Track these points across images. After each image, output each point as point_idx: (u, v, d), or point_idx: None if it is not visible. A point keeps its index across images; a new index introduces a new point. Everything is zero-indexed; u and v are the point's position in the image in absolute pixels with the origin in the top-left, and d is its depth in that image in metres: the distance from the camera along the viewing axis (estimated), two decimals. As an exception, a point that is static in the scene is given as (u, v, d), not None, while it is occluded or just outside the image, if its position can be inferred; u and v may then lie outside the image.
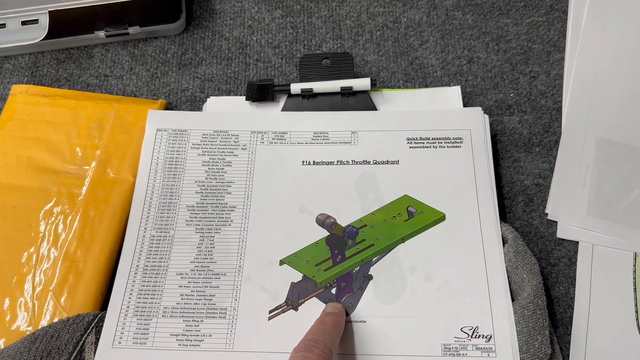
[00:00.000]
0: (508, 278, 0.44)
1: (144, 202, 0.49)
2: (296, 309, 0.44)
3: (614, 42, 0.57)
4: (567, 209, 0.50)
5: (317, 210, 0.48)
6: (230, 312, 0.44)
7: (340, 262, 0.45)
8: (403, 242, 0.46)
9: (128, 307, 0.44)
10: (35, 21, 0.56)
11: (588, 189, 0.50)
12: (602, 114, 0.54)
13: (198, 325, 0.43)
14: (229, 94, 0.57)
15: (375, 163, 0.50)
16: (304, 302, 0.44)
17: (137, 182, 0.50)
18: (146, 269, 0.46)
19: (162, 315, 0.44)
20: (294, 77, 0.58)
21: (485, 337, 0.42)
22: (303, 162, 0.50)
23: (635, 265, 0.47)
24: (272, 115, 0.53)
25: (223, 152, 0.51)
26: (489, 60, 0.58)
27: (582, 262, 0.48)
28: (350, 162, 0.50)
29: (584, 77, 0.56)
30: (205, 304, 0.44)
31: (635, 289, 0.46)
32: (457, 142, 0.50)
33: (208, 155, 0.51)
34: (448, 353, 0.41)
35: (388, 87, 0.57)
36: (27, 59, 0.59)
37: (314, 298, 0.44)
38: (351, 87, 0.53)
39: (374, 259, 0.45)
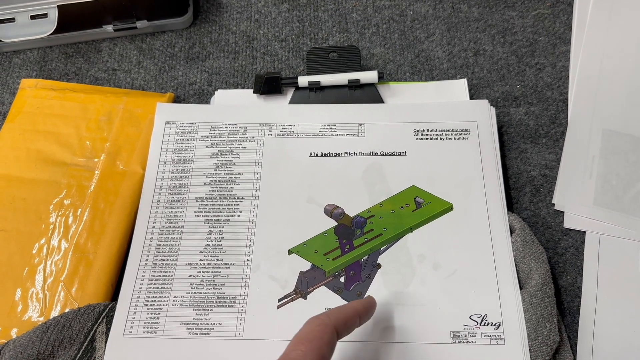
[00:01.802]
0: (516, 267, 0.44)
1: (154, 193, 0.49)
2: (305, 298, 0.44)
3: (619, 33, 0.57)
4: (573, 199, 0.50)
5: (325, 201, 0.48)
6: (240, 301, 0.44)
7: (348, 252, 0.46)
8: (411, 232, 0.46)
9: (138, 296, 0.45)
10: (45, 15, 0.57)
11: (595, 179, 0.51)
12: (608, 105, 0.54)
13: (208, 314, 0.44)
14: (236, 87, 0.58)
15: (383, 154, 0.50)
16: (312, 290, 0.44)
17: (146, 174, 0.50)
18: (156, 259, 0.46)
19: (172, 305, 0.44)
20: (300, 70, 0.59)
21: (494, 325, 0.42)
22: (311, 153, 0.51)
23: (642, 255, 0.47)
24: (280, 107, 0.54)
25: (231, 144, 0.52)
26: (495, 52, 0.58)
27: (589, 252, 0.48)
28: (358, 154, 0.51)
29: (590, 68, 0.56)
30: (215, 293, 0.44)
31: (642, 278, 0.46)
32: (464, 134, 0.51)
33: (216, 147, 0.51)
34: (457, 340, 0.42)
35: (395, 80, 0.57)
36: (36, 53, 0.60)
37: (323, 286, 0.44)
38: (358, 79, 0.54)
39: (382, 248, 0.46)
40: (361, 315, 0.37)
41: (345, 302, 0.43)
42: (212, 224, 0.48)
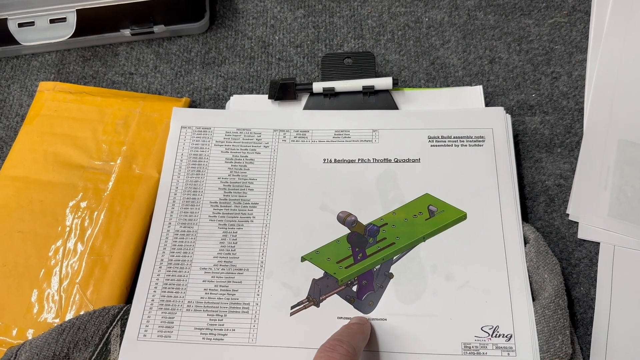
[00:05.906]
0: (529, 278, 0.44)
1: (169, 197, 0.50)
2: (318, 305, 0.44)
3: (636, 43, 0.57)
4: (588, 210, 0.50)
5: (338, 208, 0.48)
6: (253, 307, 0.44)
7: (361, 260, 0.46)
8: (424, 241, 0.46)
9: (153, 300, 0.45)
10: (63, 19, 0.57)
11: (609, 190, 0.50)
12: (624, 115, 0.53)
13: (222, 320, 0.44)
14: (251, 93, 0.58)
15: (397, 161, 0.50)
16: (325, 298, 0.44)
17: (161, 178, 0.51)
18: (170, 263, 0.47)
19: (187, 309, 0.45)
20: (315, 76, 0.59)
21: (506, 337, 0.42)
22: (324, 160, 0.51)
23: (657, 267, 0.47)
24: (294, 113, 0.54)
25: (246, 149, 0.52)
26: (511, 60, 0.58)
27: (603, 263, 0.48)
28: (372, 161, 0.51)
29: (606, 78, 0.55)
30: (228, 299, 0.45)
31: (656, 290, 0.46)
32: (479, 141, 0.51)
33: (231, 152, 0.52)
34: (468, 352, 0.42)
35: (409, 87, 0.57)
36: (54, 56, 0.60)
37: (335, 295, 0.45)
38: (373, 86, 0.54)
39: (394, 258, 0.46)
40: (365, 332, 0.41)
41: (358, 312, 0.44)
42: (226, 229, 0.48)
